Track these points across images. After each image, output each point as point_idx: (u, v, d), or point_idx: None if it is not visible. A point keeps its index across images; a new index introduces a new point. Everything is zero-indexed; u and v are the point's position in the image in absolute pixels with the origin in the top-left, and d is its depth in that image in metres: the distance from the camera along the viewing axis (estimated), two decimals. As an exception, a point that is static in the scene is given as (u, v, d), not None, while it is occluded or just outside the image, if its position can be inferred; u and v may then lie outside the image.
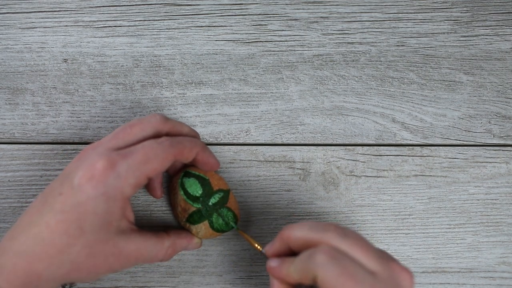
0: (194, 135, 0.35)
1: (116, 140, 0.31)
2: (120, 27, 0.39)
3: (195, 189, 0.35)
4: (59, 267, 0.28)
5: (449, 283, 0.38)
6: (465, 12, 0.40)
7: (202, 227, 0.35)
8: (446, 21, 0.40)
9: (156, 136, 0.32)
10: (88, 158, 0.30)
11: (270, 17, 0.40)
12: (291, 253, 0.30)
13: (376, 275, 0.26)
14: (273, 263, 0.29)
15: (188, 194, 0.35)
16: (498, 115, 0.39)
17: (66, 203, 0.28)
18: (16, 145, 0.38)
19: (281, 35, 0.40)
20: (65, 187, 0.29)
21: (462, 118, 0.39)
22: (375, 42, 0.40)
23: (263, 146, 0.39)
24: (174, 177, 0.36)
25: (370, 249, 0.27)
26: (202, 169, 0.35)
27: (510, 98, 0.40)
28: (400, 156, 0.39)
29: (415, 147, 0.39)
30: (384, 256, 0.28)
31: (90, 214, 0.28)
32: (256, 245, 0.34)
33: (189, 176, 0.35)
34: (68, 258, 0.28)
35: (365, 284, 0.25)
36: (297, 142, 0.39)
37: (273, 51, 0.40)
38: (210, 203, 0.35)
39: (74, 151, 0.38)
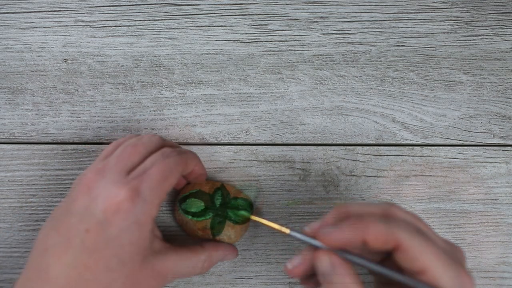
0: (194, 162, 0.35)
1: (123, 163, 0.30)
2: (120, 27, 0.39)
3: (196, 205, 0.35)
4: None
5: (449, 283, 0.38)
6: (465, 12, 0.40)
7: (229, 230, 0.35)
8: (446, 21, 0.40)
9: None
10: (104, 188, 0.29)
11: (270, 17, 0.40)
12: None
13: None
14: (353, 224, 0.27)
15: (195, 214, 0.35)
16: (498, 115, 0.39)
17: (98, 240, 0.28)
18: (16, 145, 0.38)
19: (281, 35, 0.40)
20: (90, 223, 0.28)
21: (462, 118, 0.39)
22: (375, 42, 0.40)
23: (263, 146, 0.39)
24: (174, 214, 0.37)
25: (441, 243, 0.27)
26: (193, 180, 0.36)
27: (510, 98, 0.40)
28: (400, 156, 0.39)
29: (415, 147, 0.39)
30: (452, 252, 0.28)
31: (126, 245, 0.28)
32: (277, 227, 0.32)
33: (183, 201, 0.36)
34: None
35: (444, 256, 0.25)
36: (297, 142, 0.39)
37: (273, 51, 0.40)
38: (217, 206, 0.35)
39: (74, 151, 0.38)
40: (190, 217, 0.35)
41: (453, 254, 0.27)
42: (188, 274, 0.32)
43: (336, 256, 0.27)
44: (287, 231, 0.30)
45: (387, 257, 0.29)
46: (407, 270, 0.26)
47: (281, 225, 0.31)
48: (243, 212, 0.36)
